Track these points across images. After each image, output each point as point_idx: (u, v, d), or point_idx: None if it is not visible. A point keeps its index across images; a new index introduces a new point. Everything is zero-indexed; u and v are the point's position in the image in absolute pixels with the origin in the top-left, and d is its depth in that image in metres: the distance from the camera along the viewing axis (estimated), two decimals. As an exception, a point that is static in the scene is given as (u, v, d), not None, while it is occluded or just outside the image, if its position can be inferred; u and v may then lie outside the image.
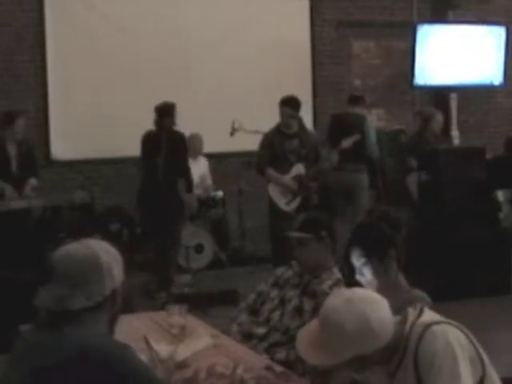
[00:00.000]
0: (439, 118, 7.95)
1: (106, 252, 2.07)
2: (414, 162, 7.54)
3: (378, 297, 2.15)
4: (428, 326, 2.11)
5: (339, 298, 2.12)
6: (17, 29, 8.23)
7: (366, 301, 2.10)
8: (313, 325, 2.17)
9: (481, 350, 2.14)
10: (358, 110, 7.90)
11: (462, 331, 2.13)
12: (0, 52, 8.19)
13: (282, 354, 3.39)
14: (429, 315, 2.19)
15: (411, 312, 2.18)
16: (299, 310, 3.52)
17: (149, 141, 7.00)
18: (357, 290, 2.23)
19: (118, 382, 1.90)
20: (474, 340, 2.15)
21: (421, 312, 2.19)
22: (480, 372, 2.10)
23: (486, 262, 6.83)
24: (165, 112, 6.89)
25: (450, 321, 2.17)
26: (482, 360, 2.12)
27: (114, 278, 2.04)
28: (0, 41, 8.19)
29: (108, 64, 8.48)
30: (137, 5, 8.65)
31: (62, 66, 8.34)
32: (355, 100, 8.00)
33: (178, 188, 7.05)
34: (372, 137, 7.67)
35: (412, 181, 7.58)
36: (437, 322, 2.14)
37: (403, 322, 2.15)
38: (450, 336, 2.08)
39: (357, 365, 2.09)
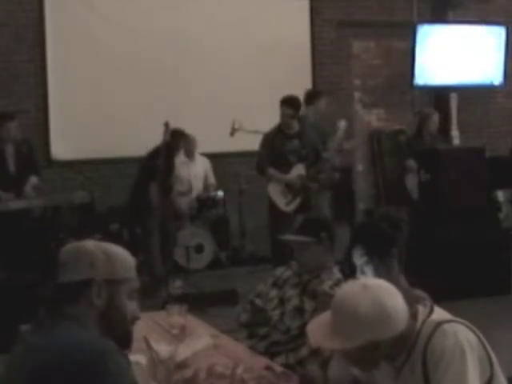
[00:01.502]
0: (435, 117, 7.94)
1: (97, 247, 2.06)
2: (411, 163, 7.52)
3: (391, 286, 2.16)
4: (439, 324, 2.12)
5: (355, 285, 2.15)
6: (17, 29, 8.22)
7: (381, 287, 2.13)
8: (324, 314, 2.18)
9: (490, 351, 2.14)
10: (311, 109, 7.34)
11: (472, 331, 2.14)
12: (0, 52, 8.19)
13: (281, 359, 3.36)
14: (439, 313, 2.20)
15: (421, 309, 2.19)
16: (300, 310, 3.51)
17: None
18: (372, 279, 2.24)
19: None
20: (484, 340, 2.15)
21: (431, 310, 2.19)
22: (488, 372, 2.10)
23: (486, 262, 6.81)
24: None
25: (460, 320, 2.18)
26: (490, 360, 2.12)
27: (96, 269, 2.01)
28: (0, 41, 8.18)
29: (108, 64, 8.47)
30: (137, 5, 8.65)
31: (61, 66, 8.33)
32: (305, 99, 7.35)
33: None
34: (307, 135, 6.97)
35: (410, 181, 7.57)
36: (447, 321, 2.14)
37: (413, 318, 2.16)
38: (460, 335, 2.09)
39: (369, 352, 2.09)
